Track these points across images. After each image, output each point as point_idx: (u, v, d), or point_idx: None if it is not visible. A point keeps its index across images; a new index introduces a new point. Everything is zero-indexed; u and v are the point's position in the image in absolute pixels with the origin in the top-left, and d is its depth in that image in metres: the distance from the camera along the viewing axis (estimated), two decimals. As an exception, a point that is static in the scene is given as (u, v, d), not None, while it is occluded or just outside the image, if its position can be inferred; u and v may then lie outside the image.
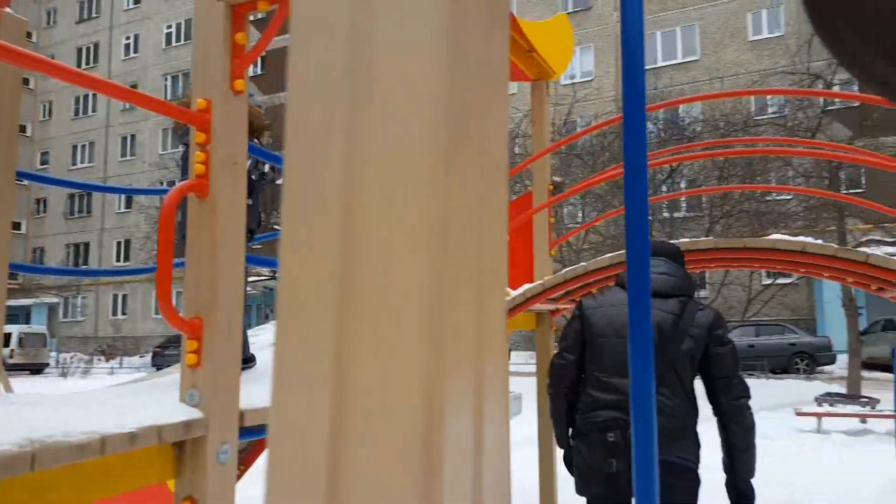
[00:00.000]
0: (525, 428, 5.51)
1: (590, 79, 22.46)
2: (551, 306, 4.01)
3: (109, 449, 1.46)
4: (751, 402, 2.35)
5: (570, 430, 2.48)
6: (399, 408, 0.34)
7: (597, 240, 12.60)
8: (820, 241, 3.02)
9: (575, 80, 22.16)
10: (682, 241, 3.21)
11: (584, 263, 3.39)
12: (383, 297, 0.35)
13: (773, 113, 13.39)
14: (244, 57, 1.78)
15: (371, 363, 0.34)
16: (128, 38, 32.76)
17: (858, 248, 11.57)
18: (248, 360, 2.80)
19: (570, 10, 23.13)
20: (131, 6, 32.60)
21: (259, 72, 23.63)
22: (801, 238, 3.02)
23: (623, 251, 3.40)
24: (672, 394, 2.27)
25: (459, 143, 0.37)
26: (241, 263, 1.80)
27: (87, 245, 32.01)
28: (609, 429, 2.26)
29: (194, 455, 1.72)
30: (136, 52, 32.40)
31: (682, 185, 13.56)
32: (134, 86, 31.57)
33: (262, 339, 3.33)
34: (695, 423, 2.33)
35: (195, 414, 1.71)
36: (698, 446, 2.32)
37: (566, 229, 12.82)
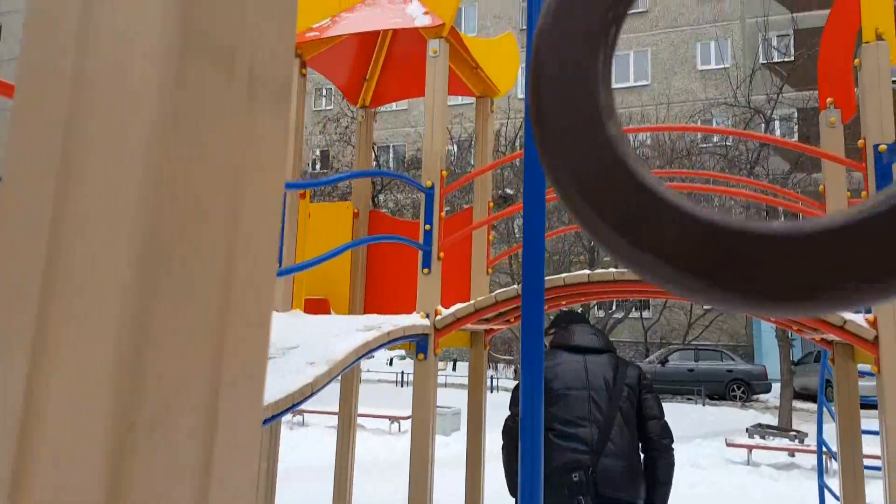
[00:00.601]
0: (461, 447, 5.47)
1: (546, 94, 22.79)
2: (484, 326, 3.98)
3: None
4: (675, 444, 2.76)
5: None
6: (86, 434, 0.29)
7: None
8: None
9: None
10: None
11: (515, 286, 3.37)
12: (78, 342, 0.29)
13: (716, 142, 13.87)
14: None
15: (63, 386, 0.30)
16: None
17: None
18: None
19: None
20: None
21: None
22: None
23: (554, 276, 3.39)
24: (621, 437, 2.63)
25: (184, 216, 0.32)
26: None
27: None
28: (573, 470, 2.55)
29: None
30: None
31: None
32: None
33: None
34: (641, 465, 2.69)
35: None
36: (644, 484, 2.67)
37: (517, 242, 12.91)
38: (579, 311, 3.16)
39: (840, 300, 0.25)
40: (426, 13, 3.42)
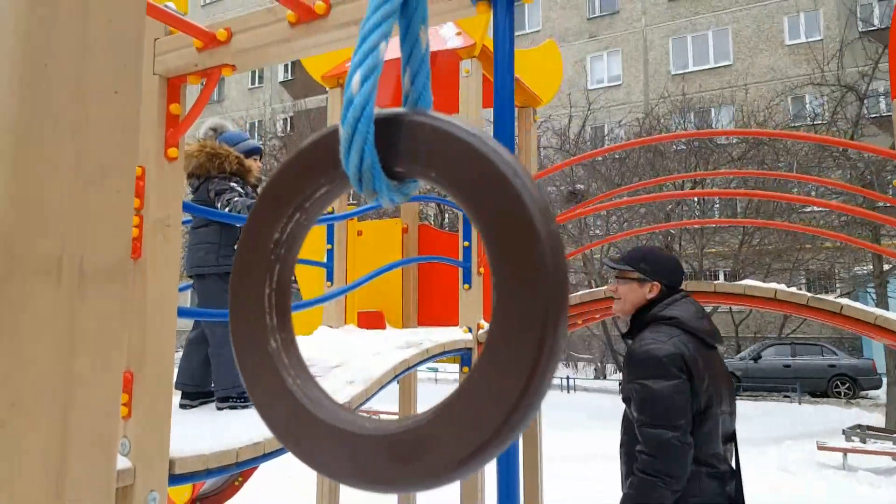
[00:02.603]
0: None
1: (618, 83, 22.04)
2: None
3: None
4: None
5: None
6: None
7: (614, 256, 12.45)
8: (793, 289, 2.95)
9: (602, 85, 21.82)
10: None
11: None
12: None
13: (807, 123, 12.93)
14: (178, 126, 1.87)
15: None
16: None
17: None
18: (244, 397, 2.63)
19: (598, 14, 22.77)
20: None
21: (289, 77, 24.07)
22: (773, 285, 2.96)
23: (598, 288, 3.37)
24: None
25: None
26: (172, 319, 1.89)
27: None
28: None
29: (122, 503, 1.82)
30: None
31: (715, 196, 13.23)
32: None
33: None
34: None
35: (124, 463, 1.81)
36: None
37: (588, 238, 12.69)
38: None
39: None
40: (458, 34, 3.50)
